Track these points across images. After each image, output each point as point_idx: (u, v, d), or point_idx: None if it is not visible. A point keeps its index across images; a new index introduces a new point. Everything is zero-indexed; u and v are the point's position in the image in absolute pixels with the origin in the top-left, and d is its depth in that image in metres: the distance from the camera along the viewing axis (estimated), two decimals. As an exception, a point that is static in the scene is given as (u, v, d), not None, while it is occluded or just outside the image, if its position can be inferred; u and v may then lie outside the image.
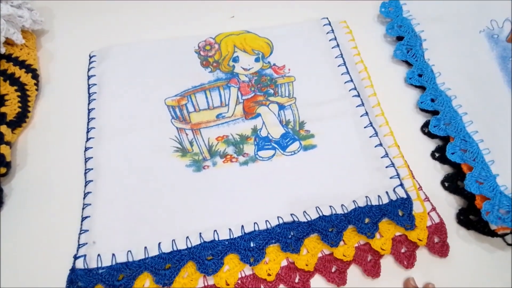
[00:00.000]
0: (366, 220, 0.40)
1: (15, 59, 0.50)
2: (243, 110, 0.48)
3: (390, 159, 0.44)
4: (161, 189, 0.43)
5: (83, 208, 0.41)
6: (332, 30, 0.54)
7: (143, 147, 0.45)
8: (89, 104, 0.49)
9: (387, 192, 0.41)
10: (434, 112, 0.48)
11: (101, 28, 0.57)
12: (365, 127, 0.46)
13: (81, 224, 0.40)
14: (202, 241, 0.39)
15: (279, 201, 0.41)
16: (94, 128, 0.46)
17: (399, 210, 0.40)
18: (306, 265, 0.39)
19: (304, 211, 0.40)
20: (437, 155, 0.47)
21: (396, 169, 0.43)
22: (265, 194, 0.42)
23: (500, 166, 0.42)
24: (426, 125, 0.48)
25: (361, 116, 0.47)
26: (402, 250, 0.41)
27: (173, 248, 0.39)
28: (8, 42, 0.50)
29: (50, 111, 0.50)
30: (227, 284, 0.38)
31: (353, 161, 0.44)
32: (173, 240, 0.39)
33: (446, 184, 0.45)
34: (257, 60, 0.52)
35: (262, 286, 0.39)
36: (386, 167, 0.43)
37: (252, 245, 0.39)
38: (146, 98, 0.49)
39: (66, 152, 0.46)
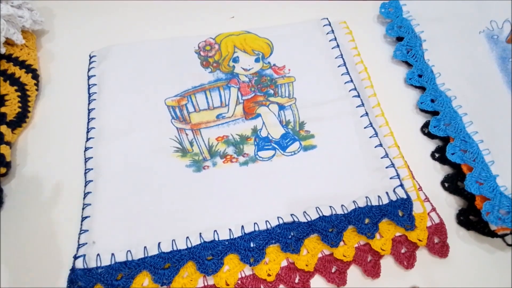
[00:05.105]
0: (366, 221, 0.40)
1: (15, 59, 0.50)
2: (243, 111, 0.48)
3: (390, 159, 0.44)
4: (161, 189, 0.43)
5: (83, 208, 0.41)
6: (332, 30, 0.54)
7: (143, 147, 0.45)
8: (89, 104, 0.49)
9: (387, 193, 0.41)
10: (434, 113, 0.48)
11: (101, 28, 0.57)
12: (365, 128, 0.46)
13: (81, 224, 0.40)
14: (202, 241, 0.39)
15: (279, 201, 0.41)
16: (94, 128, 0.46)
17: (399, 210, 0.40)
18: (306, 265, 0.39)
19: (304, 211, 0.40)
20: (437, 155, 0.47)
21: (396, 170, 0.43)
22: (265, 194, 0.42)
23: (500, 167, 0.42)
24: (426, 125, 0.48)
25: (361, 116, 0.47)
26: (402, 251, 0.41)
27: (173, 248, 0.39)
28: (8, 42, 0.50)
29: (50, 111, 0.50)
30: (227, 284, 0.38)
31: (353, 161, 0.44)
32: (173, 240, 0.39)
33: (446, 185, 0.45)
34: (257, 60, 0.52)
35: (262, 286, 0.39)
36: (386, 167, 0.43)
37: (252, 245, 0.39)
38: (146, 98, 0.49)
39: (66, 152, 0.47)
